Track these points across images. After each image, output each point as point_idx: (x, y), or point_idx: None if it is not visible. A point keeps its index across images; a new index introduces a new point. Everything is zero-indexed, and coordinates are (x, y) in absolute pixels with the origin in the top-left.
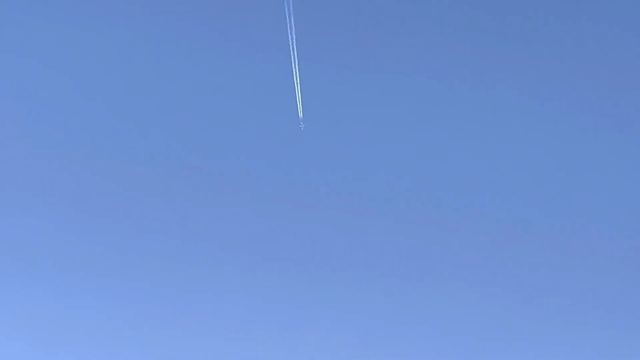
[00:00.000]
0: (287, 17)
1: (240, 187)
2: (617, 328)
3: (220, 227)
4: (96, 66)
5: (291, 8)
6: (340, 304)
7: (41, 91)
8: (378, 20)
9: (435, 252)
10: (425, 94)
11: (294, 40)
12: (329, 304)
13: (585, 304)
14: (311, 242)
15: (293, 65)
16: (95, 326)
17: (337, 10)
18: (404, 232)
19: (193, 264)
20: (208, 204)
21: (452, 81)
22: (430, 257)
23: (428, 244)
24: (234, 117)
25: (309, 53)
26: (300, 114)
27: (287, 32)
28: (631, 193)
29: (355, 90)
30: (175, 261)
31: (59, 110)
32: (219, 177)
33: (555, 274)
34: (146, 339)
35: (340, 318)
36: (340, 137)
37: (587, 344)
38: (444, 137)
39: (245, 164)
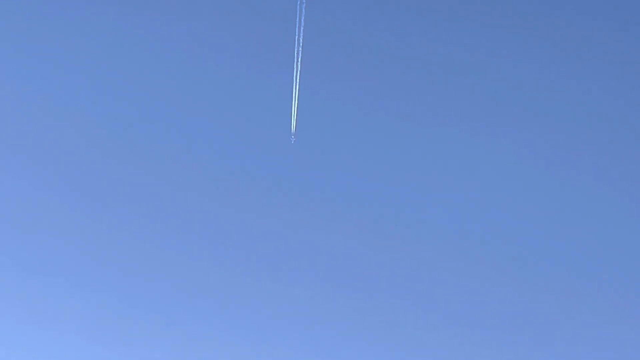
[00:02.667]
0: (297, 30)
1: (234, 187)
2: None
3: (217, 230)
4: (95, 68)
5: (302, 21)
6: (337, 306)
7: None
8: (388, 45)
9: (423, 264)
10: (425, 130)
11: (300, 55)
12: (325, 305)
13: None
14: (304, 247)
15: (294, 79)
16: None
17: (348, 29)
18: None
19: (190, 267)
20: (201, 204)
21: (454, 111)
22: (416, 269)
23: (417, 261)
24: (228, 121)
25: (313, 69)
26: (293, 128)
27: (295, 46)
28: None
29: (354, 113)
30: (172, 264)
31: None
32: (212, 176)
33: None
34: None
35: (335, 320)
36: (330, 156)
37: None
38: (441, 161)
39: (240, 166)
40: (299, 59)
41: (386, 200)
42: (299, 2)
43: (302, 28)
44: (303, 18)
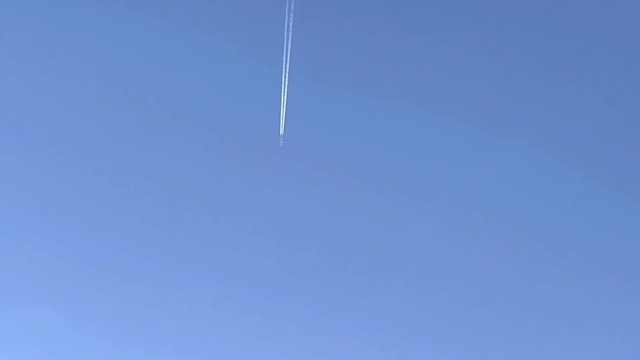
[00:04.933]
0: (286, 34)
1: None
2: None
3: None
4: (79, 64)
5: (291, 23)
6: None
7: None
8: (377, 46)
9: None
10: (418, 128)
11: (288, 57)
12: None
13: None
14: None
15: (283, 82)
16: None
17: (337, 31)
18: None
19: (186, 268)
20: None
21: (448, 114)
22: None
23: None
24: (215, 124)
25: (302, 71)
26: (282, 131)
27: (283, 50)
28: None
29: (343, 115)
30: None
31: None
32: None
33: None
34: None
35: (326, 319)
36: (319, 162)
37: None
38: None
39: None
40: (288, 59)
41: (381, 203)
42: (287, 4)
43: (290, 28)
44: (292, 19)
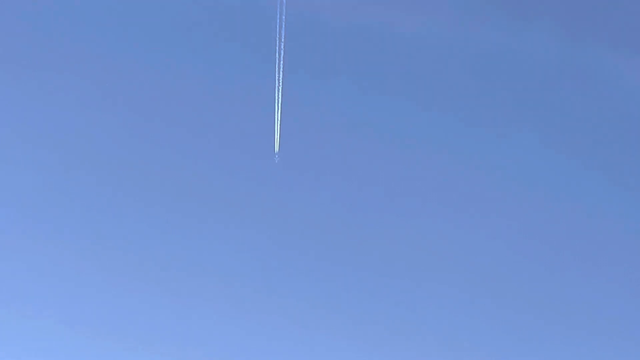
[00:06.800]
0: (277, 44)
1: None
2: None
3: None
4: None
5: (283, 33)
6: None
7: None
8: (375, 60)
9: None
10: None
11: (281, 73)
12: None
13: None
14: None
15: (276, 96)
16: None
17: (330, 42)
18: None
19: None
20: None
21: (451, 120)
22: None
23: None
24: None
25: (296, 85)
26: (277, 148)
27: (276, 62)
28: None
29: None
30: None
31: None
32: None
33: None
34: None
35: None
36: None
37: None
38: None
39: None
40: (281, 67)
41: (381, 217)
42: (278, 11)
43: (282, 33)
44: (284, 25)
